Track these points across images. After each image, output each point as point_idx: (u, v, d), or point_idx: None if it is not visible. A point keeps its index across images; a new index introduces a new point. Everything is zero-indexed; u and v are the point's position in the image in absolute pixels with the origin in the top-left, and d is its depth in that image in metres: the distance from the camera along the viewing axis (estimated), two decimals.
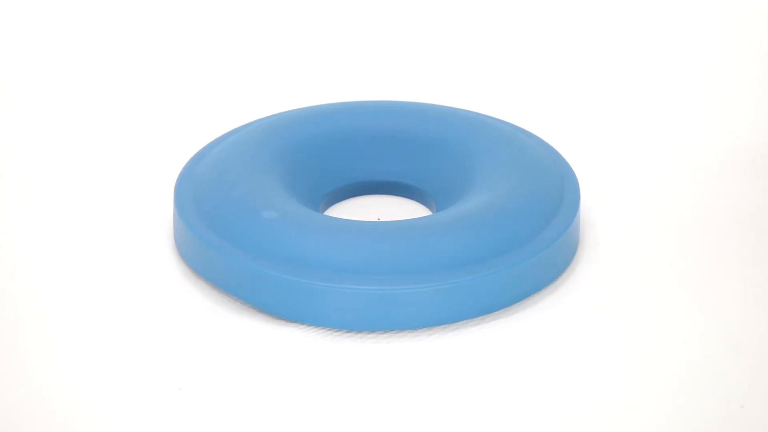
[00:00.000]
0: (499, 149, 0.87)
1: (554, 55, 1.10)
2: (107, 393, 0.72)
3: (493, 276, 0.76)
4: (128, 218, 0.88)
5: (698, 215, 0.88)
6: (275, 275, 0.76)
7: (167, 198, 0.88)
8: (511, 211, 0.80)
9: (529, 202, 0.81)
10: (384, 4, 1.13)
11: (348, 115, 0.91)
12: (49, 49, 1.10)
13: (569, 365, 0.74)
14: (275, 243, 0.78)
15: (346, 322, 0.76)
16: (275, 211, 0.80)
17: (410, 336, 0.76)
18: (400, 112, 0.91)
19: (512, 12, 1.13)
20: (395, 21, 1.13)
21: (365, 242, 0.78)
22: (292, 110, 0.93)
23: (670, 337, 0.76)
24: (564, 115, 1.02)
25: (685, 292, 0.80)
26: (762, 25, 1.09)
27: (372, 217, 0.87)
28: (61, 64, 1.09)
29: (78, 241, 0.86)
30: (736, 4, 1.10)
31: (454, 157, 0.88)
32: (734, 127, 0.99)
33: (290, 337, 0.76)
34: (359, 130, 0.90)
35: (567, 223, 0.81)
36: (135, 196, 0.91)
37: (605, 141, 0.99)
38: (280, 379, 0.73)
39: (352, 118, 0.91)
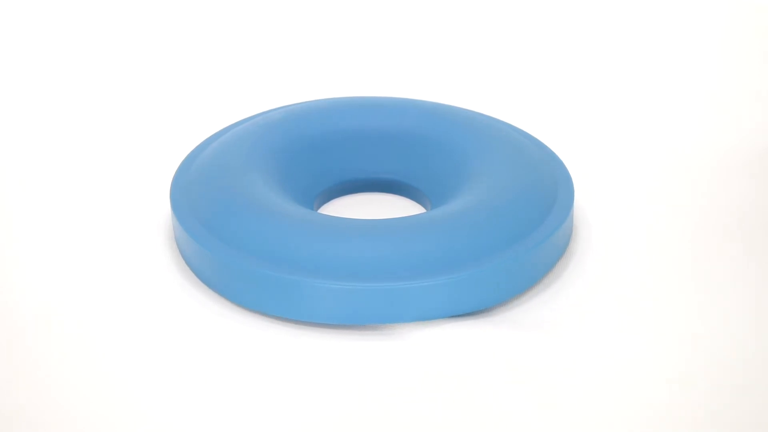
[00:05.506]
0: (494, 147, 0.87)
1: (548, 53, 1.10)
2: (106, 392, 0.73)
3: (486, 273, 0.76)
4: (125, 217, 0.88)
5: (692, 214, 0.88)
6: (268, 273, 0.76)
7: (163, 197, 0.88)
8: (505, 209, 0.80)
9: (522, 200, 0.81)
10: (378, 1, 1.14)
11: (342, 112, 0.91)
12: (42, 49, 1.10)
13: (561, 363, 0.74)
14: (269, 241, 0.78)
15: (340, 319, 0.76)
16: None
17: (404, 332, 0.76)
18: (395, 110, 0.91)
19: (507, 10, 1.13)
20: (390, 18, 1.13)
21: (359, 240, 0.78)
22: (285, 107, 0.93)
23: (665, 336, 0.76)
24: (558, 113, 1.03)
25: (679, 293, 0.80)
26: (759, 24, 1.09)
27: (367, 215, 0.87)
28: (53, 63, 1.09)
29: (73, 242, 0.86)
30: (733, 3, 1.10)
31: (449, 154, 0.88)
32: (728, 127, 0.99)
33: (286, 335, 0.77)
34: (353, 128, 0.90)
35: (560, 221, 0.81)
36: (131, 196, 0.91)
37: (599, 140, 0.99)
38: (279, 377, 0.74)
39: (347, 116, 0.91)
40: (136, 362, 0.75)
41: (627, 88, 1.05)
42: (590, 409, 0.71)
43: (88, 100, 1.04)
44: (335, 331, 0.77)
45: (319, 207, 0.89)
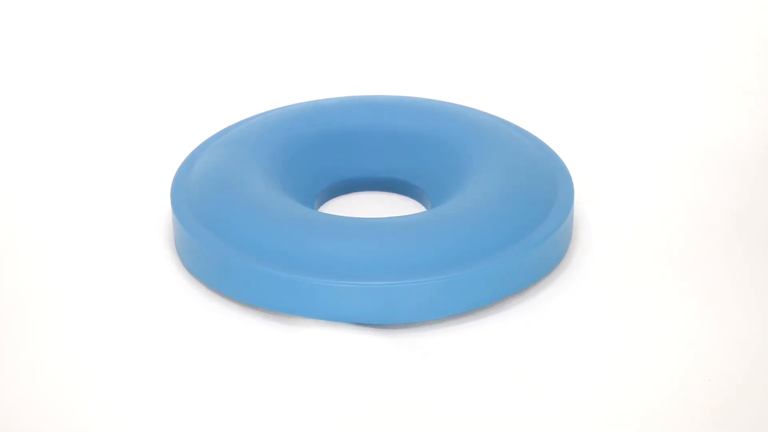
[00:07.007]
0: (494, 146, 0.87)
1: (548, 52, 1.10)
2: (105, 391, 0.73)
3: (485, 272, 0.76)
4: (125, 217, 0.88)
5: (692, 214, 0.89)
6: (269, 272, 0.76)
7: (164, 197, 0.88)
8: (505, 209, 0.80)
9: (522, 200, 0.82)
10: (378, 0, 1.13)
11: (342, 111, 0.91)
12: (42, 50, 1.09)
13: (559, 362, 0.74)
14: (270, 240, 0.78)
15: (340, 317, 0.76)
16: None
17: (403, 330, 0.76)
18: (394, 108, 0.91)
19: (507, 9, 1.13)
20: (390, 17, 1.13)
21: (360, 239, 0.78)
22: (285, 107, 0.93)
23: (663, 335, 0.77)
24: (558, 112, 1.02)
25: (679, 293, 0.80)
26: (759, 23, 1.09)
27: (367, 213, 0.87)
28: (53, 64, 1.09)
29: (73, 242, 0.86)
30: (733, 3, 1.10)
31: (449, 153, 0.88)
32: (728, 126, 0.99)
33: (286, 333, 0.77)
34: (354, 127, 0.90)
35: (560, 221, 0.81)
36: (131, 196, 0.91)
37: (599, 139, 0.99)
38: (279, 375, 0.74)
39: (347, 115, 0.91)
40: (136, 362, 0.75)
41: (627, 88, 1.05)
42: (588, 409, 0.71)
43: (89, 101, 1.04)
44: (335, 329, 0.77)
45: (319, 206, 0.89)
